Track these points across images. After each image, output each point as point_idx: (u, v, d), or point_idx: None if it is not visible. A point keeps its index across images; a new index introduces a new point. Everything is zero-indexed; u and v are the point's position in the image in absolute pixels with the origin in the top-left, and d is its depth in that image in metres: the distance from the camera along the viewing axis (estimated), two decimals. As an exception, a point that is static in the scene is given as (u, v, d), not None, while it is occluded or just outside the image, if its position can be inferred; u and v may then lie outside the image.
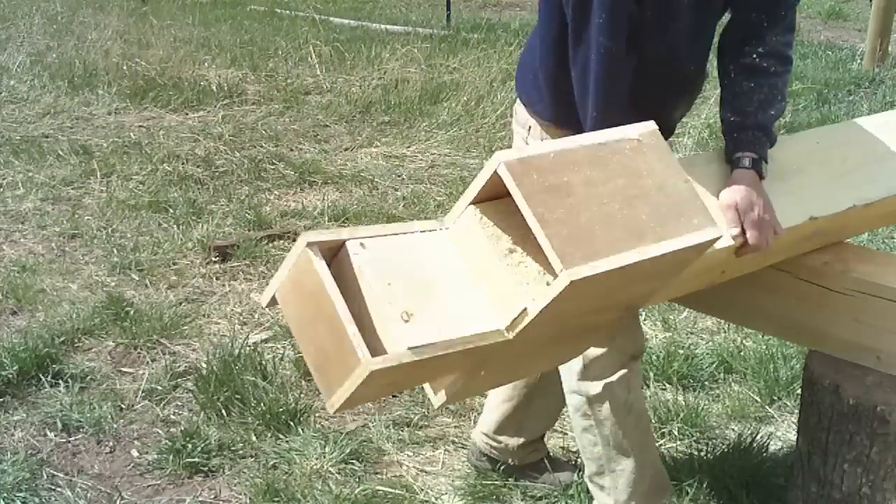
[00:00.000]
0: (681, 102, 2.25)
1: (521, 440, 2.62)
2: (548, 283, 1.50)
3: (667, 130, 2.20)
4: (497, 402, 2.61)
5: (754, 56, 2.01)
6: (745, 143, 1.97)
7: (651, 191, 1.62)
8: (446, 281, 1.55)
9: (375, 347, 1.44)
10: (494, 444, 2.65)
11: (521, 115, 2.29)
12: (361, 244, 1.47)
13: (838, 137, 2.32)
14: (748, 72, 2.01)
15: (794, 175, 2.08)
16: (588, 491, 2.45)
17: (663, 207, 1.62)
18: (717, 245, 1.77)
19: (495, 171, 1.51)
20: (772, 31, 2.01)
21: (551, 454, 2.73)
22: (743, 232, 1.89)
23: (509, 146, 2.30)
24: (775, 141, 2.04)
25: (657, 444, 2.79)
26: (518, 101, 2.30)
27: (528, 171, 1.50)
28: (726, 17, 2.13)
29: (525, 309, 1.51)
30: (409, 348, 1.43)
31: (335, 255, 1.48)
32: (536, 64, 2.19)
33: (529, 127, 2.25)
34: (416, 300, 1.49)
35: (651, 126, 1.70)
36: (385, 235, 1.53)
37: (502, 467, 2.68)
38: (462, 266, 1.57)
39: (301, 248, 1.46)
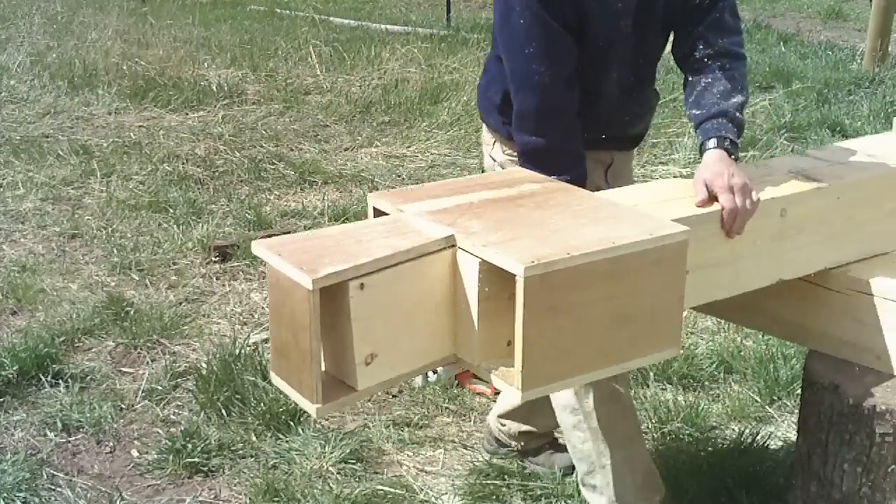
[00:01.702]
0: (639, 121, 2.35)
1: (526, 427, 2.70)
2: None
3: (628, 141, 2.35)
4: None
5: (706, 59, 2.09)
6: (711, 130, 2.01)
7: (642, 313, 1.66)
8: (430, 311, 1.60)
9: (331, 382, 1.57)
10: (501, 427, 2.74)
11: (484, 133, 2.40)
12: (361, 285, 1.50)
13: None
14: (703, 72, 2.09)
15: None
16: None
17: (644, 331, 1.67)
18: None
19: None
20: (714, 35, 2.10)
21: (559, 442, 2.74)
22: (716, 199, 1.90)
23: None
24: (743, 125, 2.07)
25: (659, 445, 2.80)
26: (482, 119, 2.41)
27: (544, 286, 1.52)
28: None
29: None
30: (352, 394, 1.56)
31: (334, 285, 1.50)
32: (487, 85, 2.31)
33: (493, 142, 2.34)
34: (388, 340, 1.56)
35: (682, 236, 1.69)
36: (392, 266, 1.54)
37: (505, 451, 2.76)
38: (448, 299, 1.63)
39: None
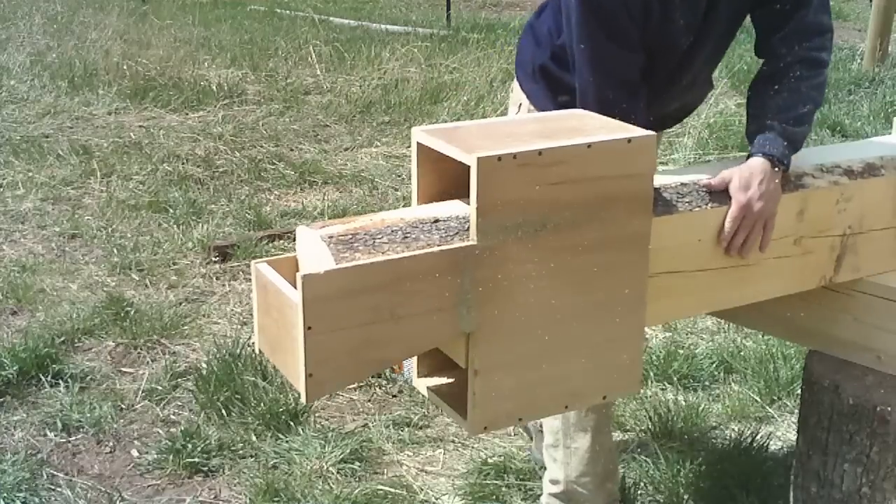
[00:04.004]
0: (688, 109, 2.31)
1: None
2: None
3: (671, 120, 2.27)
4: None
5: (778, 70, 1.96)
6: (758, 144, 1.87)
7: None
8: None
9: None
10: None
11: (515, 93, 2.28)
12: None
13: None
14: (769, 79, 1.96)
15: None
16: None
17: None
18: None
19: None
20: (792, 42, 1.95)
21: None
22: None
23: None
24: (797, 137, 1.91)
25: (659, 445, 2.80)
26: (515, 76, 2.28)
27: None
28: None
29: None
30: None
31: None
32: (533, 47, 2.18)
33: (520, 104, 2.24)
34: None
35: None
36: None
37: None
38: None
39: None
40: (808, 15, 1.96)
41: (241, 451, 2.83)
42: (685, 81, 2.11)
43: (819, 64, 1.98)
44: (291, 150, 5.73)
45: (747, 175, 1.79)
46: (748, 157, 1.87)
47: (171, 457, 2.78)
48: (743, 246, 1.79)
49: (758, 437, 2.80)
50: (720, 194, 1.79)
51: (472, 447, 2.86)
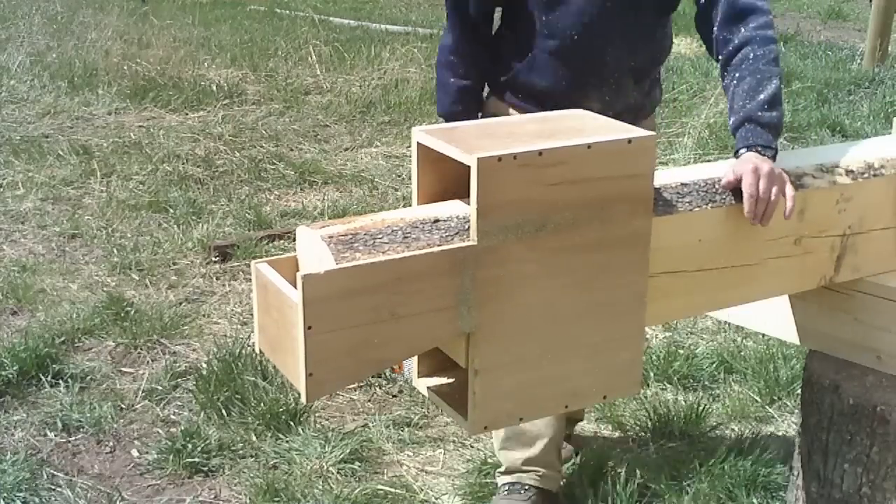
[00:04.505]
0: (599, 93, 2.25)
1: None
2: None
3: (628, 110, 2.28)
4: None
5: (729, 60, 2.01)
6: (740, 140, 1.93)
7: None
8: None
9: None
10: None
11: None
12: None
13: None
14: (729, 73, 2.01)
15: None
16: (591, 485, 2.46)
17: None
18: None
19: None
20: (730, 28, 2.02)
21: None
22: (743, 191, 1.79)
23: None
24: (774, 121, 1.95)
25: (659, 445, 2.80)
26: None
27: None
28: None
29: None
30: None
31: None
32: None
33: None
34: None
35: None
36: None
37: None
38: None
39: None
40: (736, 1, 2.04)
41: (241, 451, 2.83)
42: (599, 45, 2.17)
43: (768, 40, 2.02)
44: (291, 150, 5.73)
45: (743, 162, 1.82)
46: (735, 154, 1.91)
47: (171, 457, 2.78)
48: (765, 213, 1.78)
49: (758, 437, 2.80)
50: (721, 194, 1.80)
51: (472, 447, 2.86)
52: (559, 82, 2.19)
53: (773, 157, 1.87)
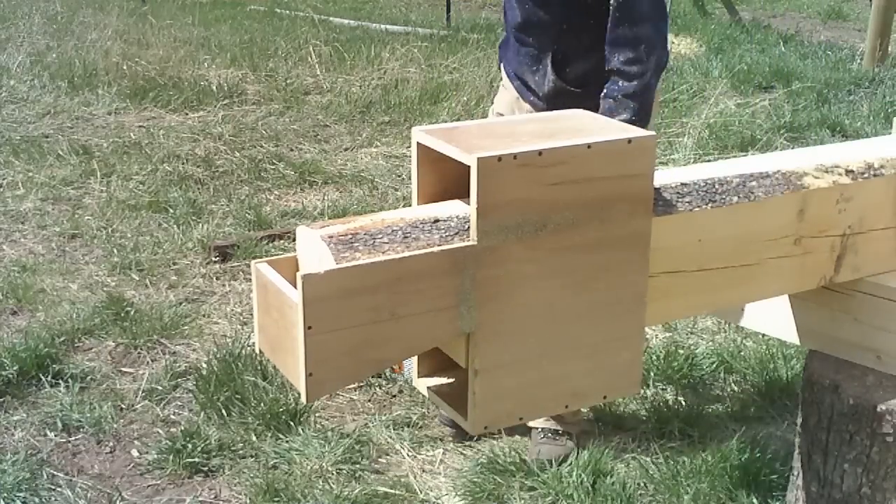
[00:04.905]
0: (531, 73, 2.60)
1: None
2: None
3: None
4: None
5: (607, 67, 2.44)
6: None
7: None
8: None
9: None
10: None
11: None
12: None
13: None
14: (605, 77, 2.44)
15: None
16: (591, 485, 2.46)
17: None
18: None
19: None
20: (611, 53, 2.36)
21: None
22: None
23: None
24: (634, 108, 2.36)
25: (659, 445, 2.80)
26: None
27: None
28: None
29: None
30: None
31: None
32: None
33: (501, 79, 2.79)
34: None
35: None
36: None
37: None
38: None
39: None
40: (628, 27, 2.33)
41: (241, 451, 2.83)
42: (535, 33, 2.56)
43: (630, 76, 2.33)
44: (291, 150, 5.73)
45: None
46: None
47: (171, 457, 2.78)
48: None
49: (758, 437, 2.80)
50: (721, 194, 1.80)
51: (473, 447, 2.86)
52: None
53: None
